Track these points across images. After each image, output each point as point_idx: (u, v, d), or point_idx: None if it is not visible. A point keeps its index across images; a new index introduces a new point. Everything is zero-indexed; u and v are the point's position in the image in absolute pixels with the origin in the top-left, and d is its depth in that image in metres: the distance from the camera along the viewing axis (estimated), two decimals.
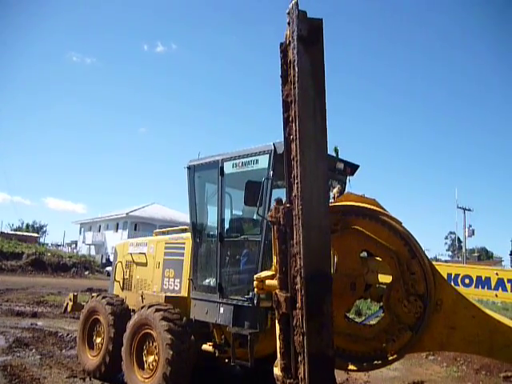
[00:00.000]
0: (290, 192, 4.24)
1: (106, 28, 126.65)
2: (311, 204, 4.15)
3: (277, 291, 4.30)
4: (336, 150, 6.91)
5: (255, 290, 4.81)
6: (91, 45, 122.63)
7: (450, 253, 77.93)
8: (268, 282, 4.67)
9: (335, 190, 5.74)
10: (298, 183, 4.11)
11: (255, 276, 4.78)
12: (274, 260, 4.57)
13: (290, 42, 4.22)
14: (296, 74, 4.12)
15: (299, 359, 4.01)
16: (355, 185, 7.01)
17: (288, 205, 4.22)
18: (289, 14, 4.27)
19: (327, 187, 4.50)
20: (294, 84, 4.16)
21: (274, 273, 4.48)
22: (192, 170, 7.36)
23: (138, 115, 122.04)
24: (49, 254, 41.97)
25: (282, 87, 4.35)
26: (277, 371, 4.28)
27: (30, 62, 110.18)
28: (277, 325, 4.28)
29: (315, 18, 4.22)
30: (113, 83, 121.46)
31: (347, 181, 7.03)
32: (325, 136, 4.34)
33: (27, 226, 76.38)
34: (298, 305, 4.06)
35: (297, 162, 4.11)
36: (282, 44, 4.32)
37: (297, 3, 4.20)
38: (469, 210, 49.34)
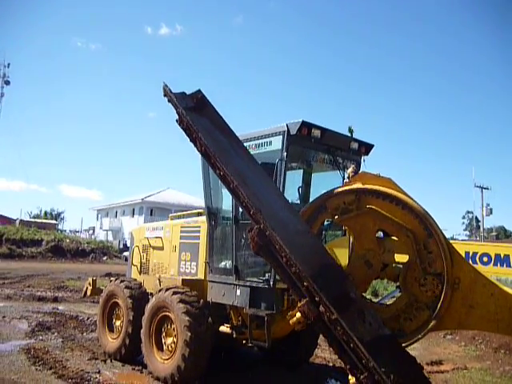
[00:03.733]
0: (249, 213, 4.59)
1: (106, 11, 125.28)
2: (273, 213, 4.57)
3: (298, 304, 4.34)
4: (350, 130, 6.84)
5: (296, 328, 4.77)
6: (93, 29, 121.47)
7: (468, 232, 77.15)
8: (297, 313, 4.58)
9: (350, 170, 5.69)
10: (249, 202, 4.51)
11: (287, 316, 4.73)
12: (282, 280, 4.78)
13: (178, 113, 5.07)
14: (195, 128, 4.94)
15: (351, 345, 4.02)
16: (370, 164, 6.95)
17: (256, 226, 4.45)
18: (165, 95, 5.18)
19: (285, 199, 5.05)
20: (198, 136, 4.93)
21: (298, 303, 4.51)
22: None
23: (146, 100, 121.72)
24: (67, 241, 42.58)
25: (195, 147, 5.08)
26: (351, 380, 4.23)
27: (39, 51, 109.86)
28: (323, 336, 4.31)
29: (194, 92, 5.24)
30: (118, 68, 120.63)
31: (362, 160, 6.97)
32: (256, 164, 5.19)
33: (45, 213, 77.32)
34: (317, 298, 4.09)
35: (237, 187, 4.64)
36: (177, 120, 5.12)
37: (166, 85, 5.15)
38: (486, 188, 48.79)
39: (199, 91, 5.27)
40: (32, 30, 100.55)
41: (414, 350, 10.08)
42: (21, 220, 56.56)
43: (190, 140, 5.05)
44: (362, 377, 4.03)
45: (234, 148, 5.08)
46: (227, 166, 4.71)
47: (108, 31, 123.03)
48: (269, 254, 4.42)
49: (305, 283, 4.14)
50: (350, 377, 4.26)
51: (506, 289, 4.76)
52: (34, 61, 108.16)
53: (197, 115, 5.06)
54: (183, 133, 5.12)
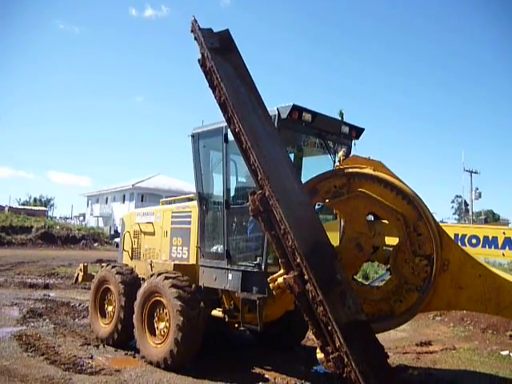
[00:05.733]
0: (256, 178, 4.46)
1: None
2: (280, 182, 4.37)
3: (285, 276, 4.35)
4: (341, 114, 6.84)
5: (273, 291, 4.83)
6: (76, 12, 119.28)
7: (457, 216, 77.78)
8: (280, 279, 4.68)
9: (340, 154, 5.71)
10: (258, 167, 4.34)
11: (268, 279, 4.79)
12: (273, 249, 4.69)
13: (203, 54, 4.71)
14: (218, 76, 4.59)
15: (329, 328, 4.07)
16: (361, 148, 6.97)
17: (260, 191, 4.36)
18: (192, 31, 4.78)
19: (293, 167, 4.76)
20: (219, 85, 4.60)
21: (284, 270, 4.52)
22: (196, 137, 7.30)
23: (132, 84, 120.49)
24: (58, 227, 42.34)
25: (213, 95, 4.77)
26: (319, 355, 4.32)
27: (19, 33, 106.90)
28: (301, 310, 4.33)
29: (221, 31, 4.80)
30: (104, 52, 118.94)
31: (353, 144, 6.97)
32: (272, 124, 4.85)
33: (35, 200, 76.93)
34: (306, 277, 4.11)
35: (249, 149, 4.43)
36: (199, 60, 4.77)
37: (195, 20, 4.74)
38: (475, 172, 49.08)
39: (227, 31, 4.85)
40: (10, 12, 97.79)
41: (404, 331, 10.25)
42: (10, 207, 56.17)
43: (210, 86, 4.75)
44: (331, 356, 4.13)
45: (252, 102, 4.72)
46: (243, 123, 4.48)
47: (91, 13, 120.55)
48: (267, 222, 4.38)
49: (297, 259, 4.15)
50: (318, 350, 4.34)
51: (493, 270, 4.84)
52: (16, 43, 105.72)
53: (221, 59, 4.67)
54: (203, 75, 4.77)
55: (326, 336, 4.16)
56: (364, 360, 3.99)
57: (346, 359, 4.02)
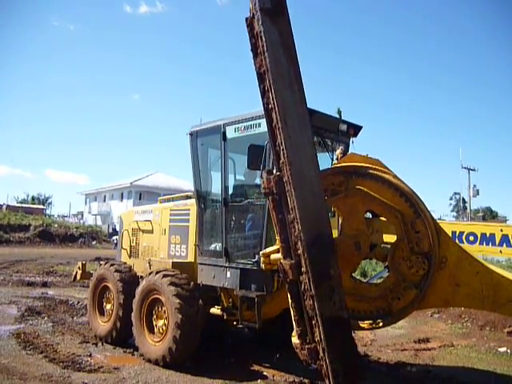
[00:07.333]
0: (277, 160, 4.33)
1: None
2: (300, 169, 4.23)
3: (281, 260, 4.35)
4: (339, 112, 6.83)
5: (263, 265, 4.85)
6: (70, 9, 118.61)
7: (455, 213, 77.82)
8: (273, 256, 4.69)
9: (338, 152, 5.71)
10: (283, 150, 4.18)
11: (261, 253, 4.82)
12: (275, 231, 4.63)
13: (253, 14, 4.31)
14: (264, 44, 4.22)
15: (313, 322, 4.09)
16: (358, 146, 6.96)
17: (278, 173, 4.27)
18: None
19: (315, 154, 4.52)
20: (263, 54, 4.26)
21: (278, 247, 4.52)
22: (194, 136, 7.30)
23: (129, 82, 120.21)
24: (56, 225, 42.30)
25: (253, 60, 4.43)
26: (294, 339, 4.35)
27: (17, 32, 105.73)
28: (288, 294, 4.34)
29: None
30: (100, 49, 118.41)
31: (350, 142, 6.97)
32: (304, 104, 4.49)
33: (32, 198, 76.70)
34: (303, 269, 4.11)
35: (279, 129, 4.21)
36: (247, 19, 4.39)
37: None
38: (473, 170, 49.04)
39: None
40: (5, 11, 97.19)
41: (402, 328, 10.29)
42: (7, 205, 56.07)
43: (252, 50, 4.43)
44: (308, 346, 4.16)
45: (290, 77, 4.39)
46: (278, 101, 4.22)
47: (86, 10, 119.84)
48: (277, 204, 4.34)
49: (299, 250, 4.13)
50: (293, 334, 4.36)
51: (491, 267, 4.85)
52: (12, 42, 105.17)
53: (270, 23, 4.27)
54: (247, 36, 4.43)
55: (308, 327, 4.19)
56: (338, 358, 4.03)
57: (321, 354, 4.07)
